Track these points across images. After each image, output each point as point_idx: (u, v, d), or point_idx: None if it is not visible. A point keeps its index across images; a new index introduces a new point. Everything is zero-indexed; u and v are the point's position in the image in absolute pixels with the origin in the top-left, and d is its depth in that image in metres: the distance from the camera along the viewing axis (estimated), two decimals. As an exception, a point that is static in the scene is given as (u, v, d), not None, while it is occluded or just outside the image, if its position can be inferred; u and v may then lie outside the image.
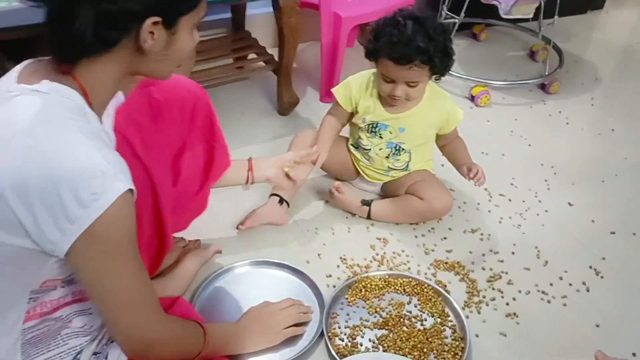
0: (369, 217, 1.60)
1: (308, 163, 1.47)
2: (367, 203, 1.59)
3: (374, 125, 1.57)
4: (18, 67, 0.84)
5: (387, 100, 1.52)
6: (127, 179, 0.79)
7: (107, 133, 0.92)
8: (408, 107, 1.53)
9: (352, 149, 1.66)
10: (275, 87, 2.02)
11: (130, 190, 0.79)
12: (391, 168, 1.62)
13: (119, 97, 1.05)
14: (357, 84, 1.57)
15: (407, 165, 1.61)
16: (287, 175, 1.42)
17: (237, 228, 1.54)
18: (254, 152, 1.84)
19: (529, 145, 1.98)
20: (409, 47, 1.37)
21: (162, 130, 1.08)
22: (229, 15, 2.22)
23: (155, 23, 0.80)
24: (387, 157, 1.60)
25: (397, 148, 1.58)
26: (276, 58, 1.96)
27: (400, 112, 1.54)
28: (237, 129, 1.96)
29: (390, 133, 1.56)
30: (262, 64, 2.05)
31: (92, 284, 0.82)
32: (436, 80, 1.51)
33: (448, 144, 1.61)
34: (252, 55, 2.12)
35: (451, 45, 1.45)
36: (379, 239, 1.56)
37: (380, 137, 1.57)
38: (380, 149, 1.59)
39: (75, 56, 0.80)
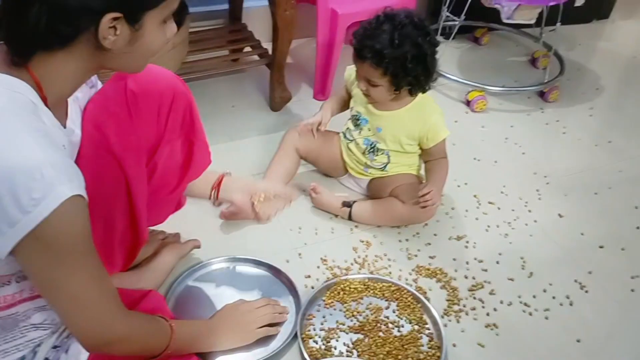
0: (350, 218, 1.57)
1: (280, 201, 1.36)
2: (348, 204, 1.57)
3: (357, 117, 1.57)
4: None
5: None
6: (74, 184, 0.75)
7: (65, 130, 0.89)
8: (389, 108, 1.51)
9: (342, 136, 1.65)
10: (268, 81, 1.99)
11: (79, 195, 0.75)
12: (369, 165, 1.60)
13: (95, 85, 1.03)
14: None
15: (385, 167, 1.58)
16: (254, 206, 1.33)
17: (220, 215, 1.52)
18: (243, 146, 1.84)
19: (523, 153, 1.94)
20: (365, 43, 1.38)
21: (138, 123, 1.05)
22: (226, 6, 2.20)
23: (116, 18, 0.76)
24: (363, 153, 1.58)
25: (373, 146, 1.56)
26: (270, 52, 1.94)
27: (380, 111, 1.52)
28: (227, 122, 1.94)
29: (369, 130, 1.55)
30: (256, 57, 2.03)
31: (42, 285, 0.80)
32: (417, 93, 1.48)
33: (429, 161, 1.56)
34: (247, 49, 2.10)
35: (421, 62, 1.39)
36: (362, 241, 1.53)
37: (360, 132, 1.57)
38: (357, 143, 1.58)
39: (28, 50, 0.77)
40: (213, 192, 1.33)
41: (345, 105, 1.66)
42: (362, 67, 1.42)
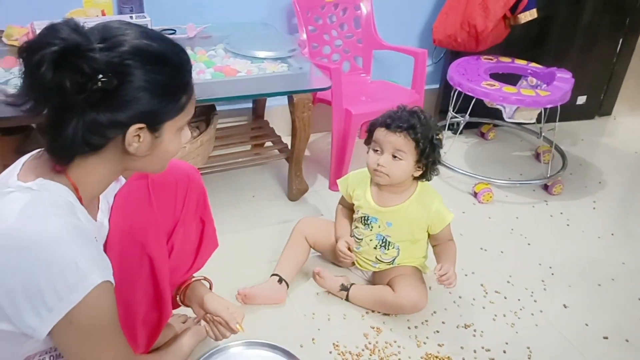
0: (347, 299, 1.67)
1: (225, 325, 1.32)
2: (345, 288, 1.67)
3: (366, 218, 1.67)
4: (24, 159, 0.94)
5: (373, 179, 1.62)
6: (103, 272, 0.86)
7: (96, 224, 1.01)
8: (395, 203, 1.63)
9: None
10: (287, 173, 2.14)
11: (107, 281, 0.86)
12: (379, 260, 1.69)
13: (120, 180, 1.17)
14: (354, 177, 1.73)
15: (394, 260, 1.68)
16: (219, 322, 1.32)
17: (237, 295, 1.63)
18: (262, 234, 1.95)
19: (529, 244, 2.03)
20: (400, 120, 1.54)
21: (158, 208, 1.18)
22: (250, 105, 2.40)
23: (140, 128, 0.89)
24: (375, 248, 1.68)
25: (385, 241, 1.66)
26: (289, 147, 2.10)
27: (388, 207, 1.64)
28: (247, 211, 2.07)
29: (379, 227, 1.65)
30: (276, 151, 2.19)
31: None
32: (423, 180, 1.62)
33: (438, 245, 1.67)
34: (268, 143, 2.27)
35: (438, 137, 1.57)
36: (373, 327, 1.60)
37: (371, 229, 1.67)
38: (370, 240, 1.68)
39: (66, 158, 0.90)
40: (180, 293, 1.37)
41: (350, 214, 1.77)
42: (394, 138, 1.54)
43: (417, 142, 1.53)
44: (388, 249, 1.67)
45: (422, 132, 1.53)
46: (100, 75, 0.84)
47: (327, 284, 1.70)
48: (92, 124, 0.86)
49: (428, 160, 1.56)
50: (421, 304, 1.61)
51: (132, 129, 0.88)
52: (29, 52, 0.82)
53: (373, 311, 1.65)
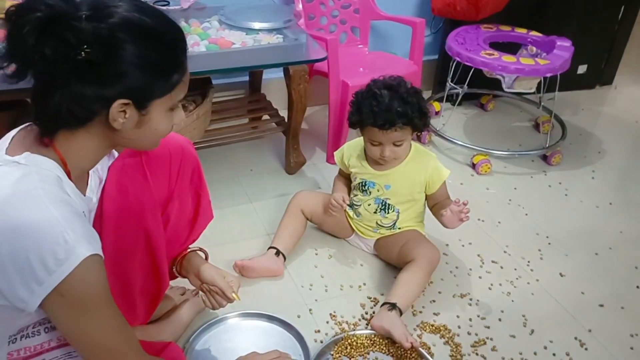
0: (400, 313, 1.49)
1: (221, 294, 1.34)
2: (393, 306, 1.49)
3: (364, 184, 1.69)
4: (12, 133, 0.94)
5: (378, 162, 1.64)
6: (91, 245, 0.86)
7: (85, 198, 1.01)
8: (393, 165, 1.64)
9: (347, 207, 1.76)
10: (284, 147, 2.14)
11: (96, 254, 0.86)
12: (379, 225, 1.70)
13: (114, 155, 1.17)
14: (349, 147, 1.74)
15: (395, 224, 1.69)
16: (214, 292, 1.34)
17: (234, 266, 1.64)
18: (260, 207, 1.96)
19: (526, 214, 2.03)
20: (390, 113, 1.52)
21: (152, 180, 1.18)
22: (247, 78, 2.38)
23: (125, 104, 0.88)
24: (375, 213, 1.69)
25: (384, 204, 1.67)
26: (287, 120, 2.09)
27: (385, 170, 1.65)
28: (245, 184, 2.08)
29: (378, 191, 1.67)
30: (273, 125, 2.18)
31: (68, 334, 0.91)
32: (418, 136, 1.62)
33: (437, 204, 1.68)
34: (265, 117, 2.26)
35: (425, 104, 1.58)
36: (370, 298, 1.61)
37: (369, 194, 1.68)
38: (369, 205, 1.69)
39: (52, 129, 0.90)
40: (176, 264, 1.37)
41: (348, 183, 1.78)
42: (391, 134, 1.55)
43: (412, 123, 1.55)
44: (388, 213, 1.68)
45: (412, 112, 1.53)
46: (85, 46, 0.82)
47: (384, 319, 1.47)
48: (77, 95, 0.86)
49: (424, 125, 1.60)
50: (437, 256, 1.64)
51: (117, 103, 0.87)
52: (16, 16, 0.81)
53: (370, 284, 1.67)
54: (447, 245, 1.83)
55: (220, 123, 2.14)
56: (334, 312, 1.56)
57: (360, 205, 1.71)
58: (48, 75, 0.85)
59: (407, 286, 1.55)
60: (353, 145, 1.73)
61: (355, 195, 1.72)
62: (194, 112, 1.82)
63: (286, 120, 2.09)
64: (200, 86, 2.00)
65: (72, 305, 0.86)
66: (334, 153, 1.77)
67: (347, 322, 1.53)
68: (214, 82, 2.07)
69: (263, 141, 2.31)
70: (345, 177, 1.79)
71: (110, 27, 0.84)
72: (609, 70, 3.06)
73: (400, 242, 1.67)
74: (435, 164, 1.65)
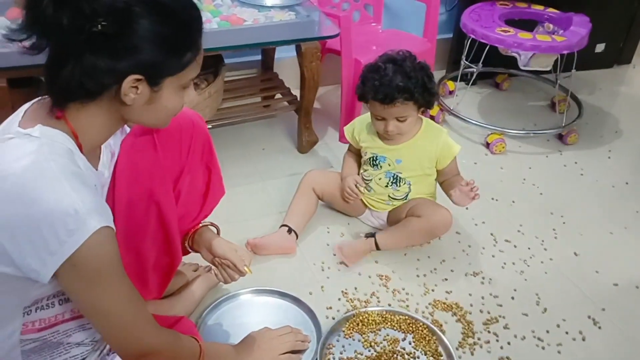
0: (377, 248, 1.65)
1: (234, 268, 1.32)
2: (370, 234, 1.67)
3: (374, 158, 1.69)
4: (25, 106, 0.94)
5: (384, 136, 1.64)
6: (102, 217, 0.86)
7: (97, 172, 1.02)
8: (403, 140, 1.64)
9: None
10: (297, 126, 2.13)
11: (107, 226, 0.87)
12: (392, 197, 1.71)
13: (126, 130, 1.17)
14: (359, 122, 1.74)
15: (407, 196, 1.69)
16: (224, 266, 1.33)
17: (246, 244, 1.65)
18: (272, 186, 1.96)
19: (541, 194, 2.01)
20: (390, 88, 1.51)
21: (164, 155, 1.18)
22: (259, 57, 2.37)
23: (138, 80, 0.89)
24: (386, 186, 1.69)
25: (396, 177, 1.67)
26: (299, 99, 2.08)
27: (396, 144, 1.65)
28: (258, 163, 2.08)
29: (389, 165, 1.67)
30: (286, 104, 2.18)
31: (82, 305, 0.92)
32: (423, 112, 1.63)
33: (447, 180, 1.67)
34: (278, 96, 2.25)
35: (431, 81, 1.57)
36: (381, 275, 1.61)
37: (380, 168, 1.68)
38: (379, 179, 1.69)
39: (63, 101, 0.90)
40: (188, 239, 1.37)
41: (358, 160, 1.78)
42: (393, 109, 1.55)
43: (414, 99, 1.54)
44: (400, 185, 1.68)
45: (415, 88, 1.52)
46: (101, 19, 0.83)
47: (354, 254, 1.64)
48: (90, 67, 0.86)
49: (429, 102, 1.58)
50: (449, 218, 1.61)
51: (129, 79, 0.88)
52: None
53: (381, 262, 1.67)
54: (460, 223, 1.82)
55: (233, 102, 2.14)
56: (346, 289, 1.56)
57: (371, 179, 1.71)
58: (63, 46, 0.85)
59: (397, 229, 1.63)
60: (364, 119, 1.73)
61: (366, 170, 1.72)
62: (206, 90, 1.82)
63: (298, 98, 2.08)
64: (213, 64, 1.99)
65: (84, 277, 0.87)
66: (345, 128, 1.77)
67: (358, 299, 1.53)
68: (226, 61, 2.06)
69: (275, 120, 2.31)
70: (355, 153, 1.78)
71: (126, 1, 0.84)
72: (627, 49, 3.00)
73: (409, 206, 1.67)
74: (446, 139, 1.65)
